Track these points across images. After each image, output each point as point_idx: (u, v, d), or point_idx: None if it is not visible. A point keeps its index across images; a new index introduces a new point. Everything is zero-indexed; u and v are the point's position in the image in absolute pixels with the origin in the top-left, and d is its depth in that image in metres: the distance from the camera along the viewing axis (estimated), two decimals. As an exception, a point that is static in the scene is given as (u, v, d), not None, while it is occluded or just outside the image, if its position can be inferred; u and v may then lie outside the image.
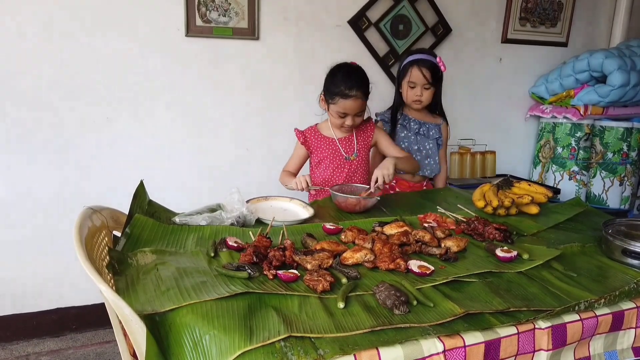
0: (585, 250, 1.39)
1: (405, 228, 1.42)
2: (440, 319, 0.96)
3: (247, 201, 1.62)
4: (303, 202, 1.73)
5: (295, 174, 2.03)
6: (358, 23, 2.63)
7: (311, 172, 2.04)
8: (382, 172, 1.74)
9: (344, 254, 1.24)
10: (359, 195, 1.70)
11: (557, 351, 1.01)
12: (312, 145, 2.00)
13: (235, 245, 1.26)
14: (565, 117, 2.97)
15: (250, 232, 1.40)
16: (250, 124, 2.55)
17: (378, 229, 1.46)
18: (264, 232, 1.39)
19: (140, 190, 1.45)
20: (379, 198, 1.71)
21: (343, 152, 1.98)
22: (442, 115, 2.28)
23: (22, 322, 2.34)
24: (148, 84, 2.32)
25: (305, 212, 1.63)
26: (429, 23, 2.77)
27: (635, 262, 1.29)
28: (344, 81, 1.82)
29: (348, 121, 1.88)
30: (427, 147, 2.21)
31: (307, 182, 1.80)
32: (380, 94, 2.81)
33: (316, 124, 2.04)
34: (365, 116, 1.99)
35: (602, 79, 2.88)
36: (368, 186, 1.76)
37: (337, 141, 1.98)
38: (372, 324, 0.93)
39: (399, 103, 2.21)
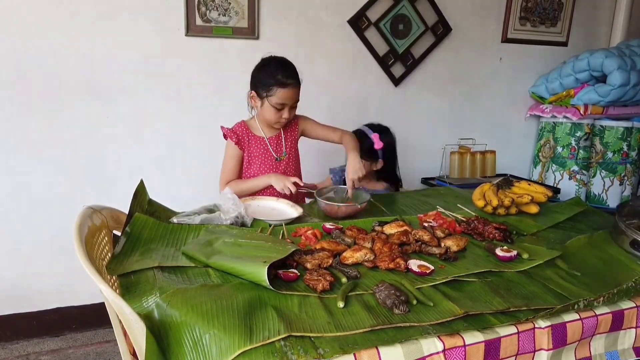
0: (592, 241, 1.39)
1: (405, 227, 1.42)
2: (440, 319, 0.96)
3: None
4: (290, 201, 1.72)
5: (238, 179, 1.94)
6: (358, 23, 2.63)
7: (242, 172, 1.95)
8: (354, 175, 1.71)
9: (344, 254, 1.24)
10: (347, 200, 1.70)
11: (558, 351, 1.01)
12: (244, 144, 1.90)
13: (235, 244, 1.26)
14: (565, 117, 2.97)
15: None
16: (250, 123, 2.55)
17: (378, 228, 1.47)
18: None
19: (141, 190, 1.45)
20: (359, 205, 1.64)
21: (273, 153, 1.91)
22: (394, 182, 2.25)
23: (22, 322, 2.34)
24: (148, 83, 2.32)
25: (294, 211, 1.62)
26: (429, 22, 2.77)
27: None
28: (279, 70, 1.79)
29: (285, 114, 1.82)
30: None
31: (295, 184, 1.73)
32: (380, 94, 2.82)
33: (243, 121, 1.95)
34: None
35: (602, 79, 2.88)
36: (350, 188, 1.73)
37: (267, 141, 1.91)
38: (372, 323, 0.93)
39: None
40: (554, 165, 3.06)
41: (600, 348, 1.10)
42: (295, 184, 1.73)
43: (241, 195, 1.73)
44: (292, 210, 1.64)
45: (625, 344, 1.13)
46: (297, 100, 1.86)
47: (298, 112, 1.94)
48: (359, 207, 1.63)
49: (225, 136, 1.91)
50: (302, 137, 2.03)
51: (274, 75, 1.77)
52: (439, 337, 0.91)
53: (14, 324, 2.33)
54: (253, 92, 1.86)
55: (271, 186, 1.80)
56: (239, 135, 1.89)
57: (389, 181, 2.23)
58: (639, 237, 1.29)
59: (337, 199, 1.72)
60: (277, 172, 1.89)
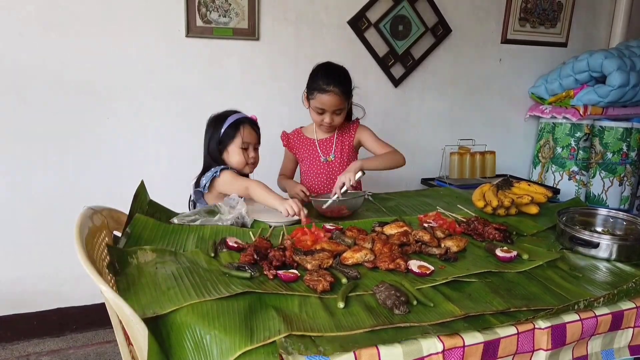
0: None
1: (405, 228, 1.42)
2: (440, 319, 0.96)
3: None
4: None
5: (290, 177, 2.10)
6: (358, 23, 2.63)
7: (300, 174, 2.09)
8: (345, 177, 1.69)
9: (344, 254, 1.24)
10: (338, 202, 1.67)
11: (556, 351, 1.02)
12: (294, 147, 2.05)
13: (236, 245, 1.26)
14: (564, 117, 2.97)
15: (251, 233, 1.40)
16: (250, 124, 2.55)
17: (378, 229, 1.47)
18: (264, 234, 1.40)
19: (141, 190, 1.45)
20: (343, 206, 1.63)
21: (321, 154, 2.00)
22: None
23: (22, 322, 2.35)
24: (148, 84, 2.32)
25: None
26: (429, 23, 2.77)
27: (583, 250, 1.35)
28: (322, 77, 1.86)
29: (326, 118, 1.88)
30: None
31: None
32: (380, 95, 2.82)
33: (301, 127, 2.09)
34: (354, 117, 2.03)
35: (601, 79, 2.88)
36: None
37: (316, 142, 2.01)
38: (372, 323, 0.93)
39: None
40: (553, 165, 3.07)
41: (597, 347, 1.10)
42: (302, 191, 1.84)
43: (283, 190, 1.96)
44: None
45: (621, 343, 1.13)
46: (340, 108, 1.89)
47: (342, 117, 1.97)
48: (343, 207, 1.63)
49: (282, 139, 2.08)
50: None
51: (317, 80, 1.86)
52: (438, 337, 0.91)
53: (14, 324, 2.33)
54: (305, 92, 1.96)
55: (330, 184, 1.92)
56: (289, 138, 2.06)
57: None
58: (576, 232, 1.37)
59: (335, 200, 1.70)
60: (325, 172, 2.00)
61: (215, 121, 1.81)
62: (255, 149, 1.83)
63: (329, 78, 1.84)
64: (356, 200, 1.67)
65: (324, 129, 1.97)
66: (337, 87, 1.84)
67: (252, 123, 1.82)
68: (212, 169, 1.72)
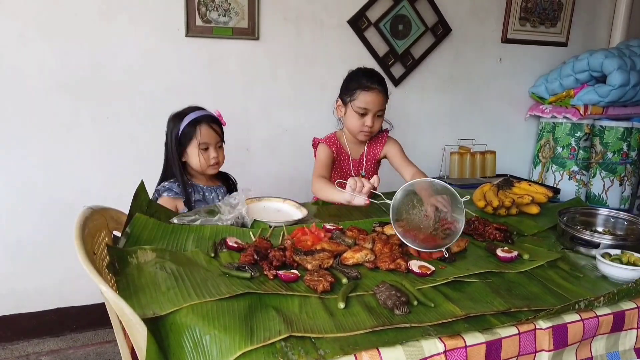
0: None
1: (406, 228, 1.42)
2: (441, 319, 0.96)
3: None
4: (297, 202, 1.72)
5: (329, 179, 1.88)
6: (358, 23, 2.63)
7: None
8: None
9: (345, 254, 1.24)
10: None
11: (559, 352, 1.01)
12: (335, 151, 1.93)
13: (235, 245, 1.26)
14: (565, 117, 2.97)
15: (251, 233, 1.40)
16: (250, 124, 2.55)
17: (378, 229, 1.46)
18: (264, 235, 1.39)
19: (141, 190, 1.44)
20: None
21: (352, 171, 1.95)
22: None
23: (22, 322, 2.34)
24: (148, 84, 2.32)
25: (299, 213, 1.62)
26: (429, 23, 2.77)
27: (584, 250, 1.36)
28: (364, 76, 1.80)
29: (368, 121, 1.80)
30: None
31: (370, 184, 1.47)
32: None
33: (335, 132, 1.99)
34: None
35: (602, 79, 2.88)
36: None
37: (350, 157, 1.94)
38: (373, 324, 0.93)
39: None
40: (554, 165, 3.06)
41: (602, 349, 1.10)
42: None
43: (319, 196, 1.75)
44: (297, 212, 1.64)
45: (626, 345, 1.13)
46: (382, 109, 1.83)
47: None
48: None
49: (314, 145, 1.95)
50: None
51: (358, 80, 1.79)
52: (439, 338, 0.91)
53: (14, 324, 2.33)
54: (339, 99, 1.87)
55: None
56: (332, 141, 1.92)
57: None
58: (577, 233, 1.38)
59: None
60: None
61: (173, 120, 1.71)
62: (220, 148, 1.75)
63: (371, 77, 1.80)
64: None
65: (362, 135, 1.86)
66: (381, 86, 1.80)
67: (211, 121, 1.71)
68: (156, 188, 1.67)
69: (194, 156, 1.69)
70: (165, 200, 1.66)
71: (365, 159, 1.96)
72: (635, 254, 1.25)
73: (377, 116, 1.83)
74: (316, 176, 1.83)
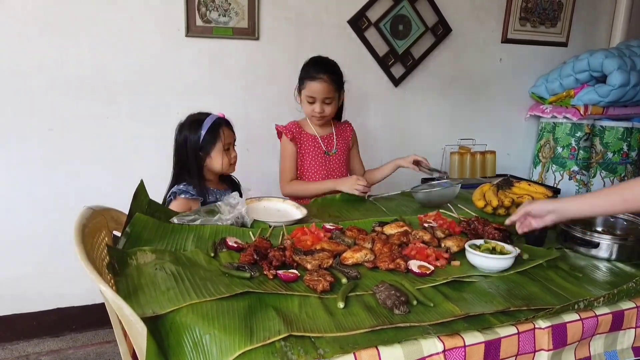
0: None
1: (405, 228, 1.42)
2: (440, 319, 0.96)
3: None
4: (296, 202, 1.73)
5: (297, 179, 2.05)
6: (358, 23, 2.63)
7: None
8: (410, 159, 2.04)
9: (344, 254, 1.24)
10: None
11: (558, 351, 1.01)
12: (297, 140, 2.03)
13: (235, 245, 1.26)
14: (565, 117, 2.97)
15: (250, 233, 1.40)
16: (250, 124, 2.55)
17: (378, 229, 1.47)
18: (264, 235, 1.40)
19: (140, 190, 1.44)
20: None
21: (323, 147, 2.04)
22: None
23: (22, 322, 2.35)
24: (148, 84, 2.32)
25: (299, 213, 1.63)
26: (429, 23, 2.77)
27: (584, 250, 1.37)
28: (312, 66, 1.92)
29: (317, 107, 1.92)
30: None
31: (364, 184, 1.84)
32: (380, 94, 2.82)
33: (295, 120, 2.08)
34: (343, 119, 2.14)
35: (602, 79, 2.88)
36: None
37: (318, 138, 2.04)
38: (372, 323, 0.93)
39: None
40: (554, 165, 3.06)
41: (600, 348, 1.10)
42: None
43: (301, 196, 1.95)
44: (297, 212, 1.64)
45: (624, 344, 1.13)
46: (330, 97, 1.93)
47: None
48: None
49: (279, 134, 2.06)
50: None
51: (307, 69, 1.93)
52: (439, 337, 0.91)
53: (13, 324, 2.33)
54: (297, 87, 1.99)
55: (329, 179, 1.99)
56: (293, 132, 2.01)
57: None
58: (576, 232, 1.39)
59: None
60: (326, 167, 2.03)
61: (190, 127, 1.75)
62: (234, 147, 1.85)
63: (318, 67, 1.91)
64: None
65: (314, 120, 2.00)
66: (327, 75, 1.89)
67: (227, 122, 1.82)
68: (172, 191, 1.71)
69: (217, 159, 1.76)
70: (181, 202, 1.69)
71: (335, 138, 2.08)
72: (503, 244, 1.27)
73: (326, 103, 1.94)
74: (286, 181, 2.02)
